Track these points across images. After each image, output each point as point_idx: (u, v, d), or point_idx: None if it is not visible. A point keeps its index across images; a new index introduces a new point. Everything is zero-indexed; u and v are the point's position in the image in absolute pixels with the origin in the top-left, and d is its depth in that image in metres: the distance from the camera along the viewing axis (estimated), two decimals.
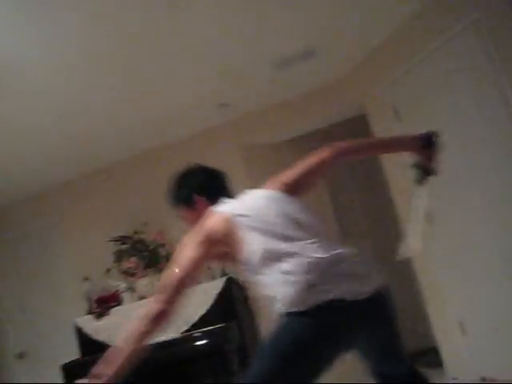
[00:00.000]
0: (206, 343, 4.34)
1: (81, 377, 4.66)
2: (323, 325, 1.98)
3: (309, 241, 2.09)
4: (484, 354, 3.94)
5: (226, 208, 2.28)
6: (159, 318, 2.14)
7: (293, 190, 2.32)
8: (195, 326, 4.43)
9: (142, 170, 5.38)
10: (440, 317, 4.32)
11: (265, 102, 4.95)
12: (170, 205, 2.53)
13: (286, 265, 2.04)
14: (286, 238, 2.11)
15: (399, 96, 4.34)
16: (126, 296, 4.85)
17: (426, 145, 2.37)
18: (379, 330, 2.13)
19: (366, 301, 2.01)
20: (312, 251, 2.05)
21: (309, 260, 2.02)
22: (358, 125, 5.02)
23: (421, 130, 2.42)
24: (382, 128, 4.53)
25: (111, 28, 3.20)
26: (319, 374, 2.03)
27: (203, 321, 4.44)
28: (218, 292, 4.51)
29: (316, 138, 5.24)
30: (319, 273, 2.00)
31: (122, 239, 4.92)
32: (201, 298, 4.47)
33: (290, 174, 2.35)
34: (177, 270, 2.17)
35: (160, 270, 4.95)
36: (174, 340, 4.33)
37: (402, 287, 4.20)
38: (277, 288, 2.06)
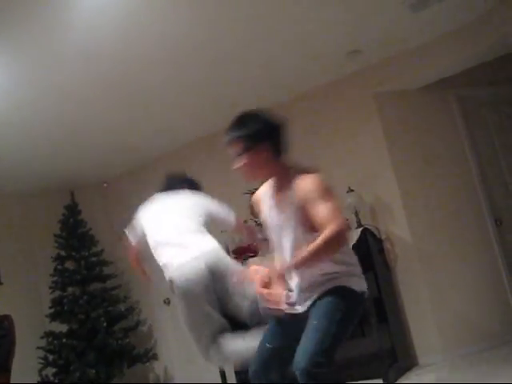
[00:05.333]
0: None
1: None
2: None
3: None
4: None
5: None
6: (342, 237, 2.35)
7: None
8: None
9: None
10: None
11: (398, 48, 4.73)
12: (233, 138, 2.47)
13: None
14: None
15: None
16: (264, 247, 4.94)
17: None
18: None
19: None
20: None
21: None
22: (499, 67, 4.70)
23: None
24: None
25: None
26: None
27: None
28: (353, 243, 4.40)
29: (453, 84, 5.00)
30: None
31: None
32: None
33: None
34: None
35: None
36: None
37: None
38: None
